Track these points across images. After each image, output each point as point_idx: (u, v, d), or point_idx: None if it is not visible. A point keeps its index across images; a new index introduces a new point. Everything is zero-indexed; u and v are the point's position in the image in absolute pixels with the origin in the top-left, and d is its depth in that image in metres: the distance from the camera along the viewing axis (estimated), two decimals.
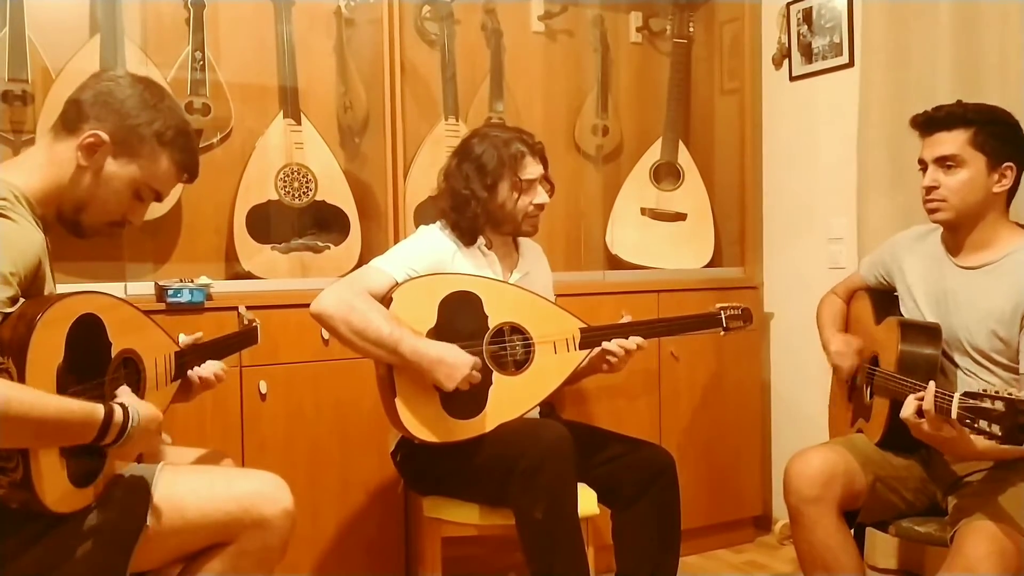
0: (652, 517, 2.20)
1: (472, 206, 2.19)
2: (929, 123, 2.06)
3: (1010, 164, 2.01)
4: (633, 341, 2.19)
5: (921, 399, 1.75)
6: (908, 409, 1.77)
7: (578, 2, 3.32)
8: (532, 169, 2.22)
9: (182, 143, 1.67)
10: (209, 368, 1.88)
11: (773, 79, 3.30)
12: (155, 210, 2.55)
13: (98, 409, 1.42)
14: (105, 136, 1.58)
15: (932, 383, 1.74)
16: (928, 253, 2.17)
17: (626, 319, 2.30)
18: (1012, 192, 2.04)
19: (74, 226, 1.65)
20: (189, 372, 1.84)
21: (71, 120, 1.60)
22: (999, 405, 1.55)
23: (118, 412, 1.45)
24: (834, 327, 2.37)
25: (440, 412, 2.05)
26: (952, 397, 1.65)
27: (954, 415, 1.64)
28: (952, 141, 2.00)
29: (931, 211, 2.06)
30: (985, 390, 1.63)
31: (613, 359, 2.20)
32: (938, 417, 1.71)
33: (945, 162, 2.01)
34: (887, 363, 2.07)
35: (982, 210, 2.02)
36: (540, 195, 2.25)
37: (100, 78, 1.65)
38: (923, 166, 2.07)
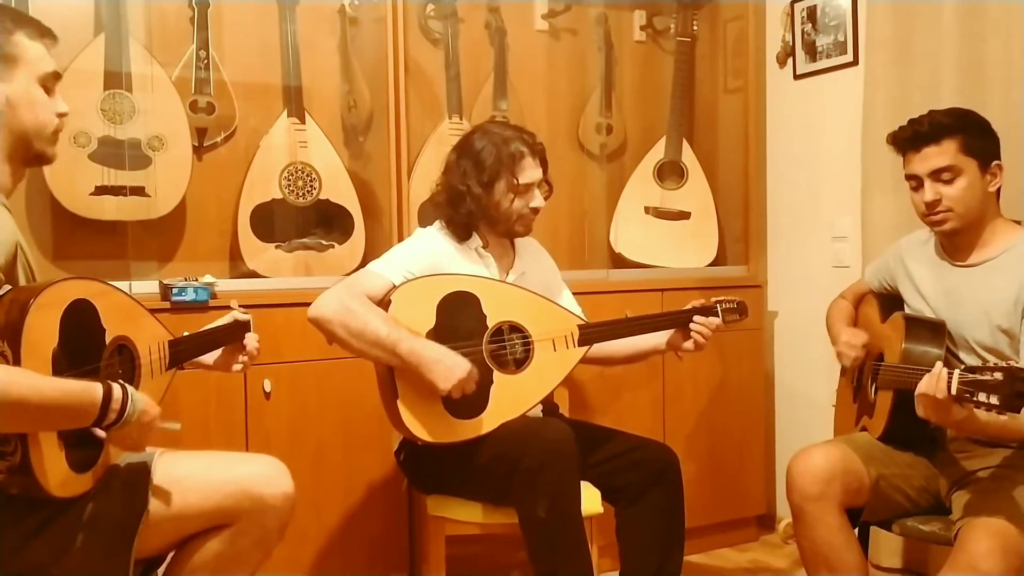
0: (656, 515, 2.19)
1: (467, 202, 2.18)
2: (916, 139, 2.04)
3: (998, 162, 2.03)
4: (713, 321, 2.22)
5: (938, 377, 1.69)
6: (927, 387, 1.69)
7: (582, 1, 3.31)
8: (531, 172, 2.20)
9: (17, 18, 1.62)
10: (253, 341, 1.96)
11: (777, 77, 3.29)
12: (159, 209, 2.57)
13: (97, 388, 1.43)
14: None
15: (945, 369, 1.69)
16: (928, 257, 2.18)
17: (699, 303, 2.28)
18: (999, 188, 2.06)
19: (39, 158, 1.65)
20: (247, 340, 1.94)
21: None
22: (998, 375, 1.57)
23: (117, 390, 1.45)
24: (843, 324, 2.37)
25: (442, 412, 2.05)
26: (952, 374, 1.65)
27: (954, 391, 1.64)
28: (943, 153, 2.00)
29: (937, 223, 2.05)
30: (985, 362, 1.62)
31: (700, 338, 2.22)
32: (949, 399, 1.67)
33: (941, 174, 2.00)
34: (892, 358, 2.08)
35: (982, 211, 2.03)
36: (536, 199, 2.23)
37: None
38: (917, 182, 2.06)
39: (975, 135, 2.01)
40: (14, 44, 1.57)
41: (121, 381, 1.50)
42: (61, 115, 1.65)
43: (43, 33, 1.64)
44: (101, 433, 1.47)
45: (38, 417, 1.36)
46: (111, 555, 1.51)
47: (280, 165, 2.72)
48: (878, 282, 2.35)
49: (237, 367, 1.95)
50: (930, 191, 2.02)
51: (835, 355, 2.31)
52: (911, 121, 2.07)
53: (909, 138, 2.06)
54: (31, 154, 1.63)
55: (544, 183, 2.26)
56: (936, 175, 2.01)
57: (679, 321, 2.26)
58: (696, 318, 2.22)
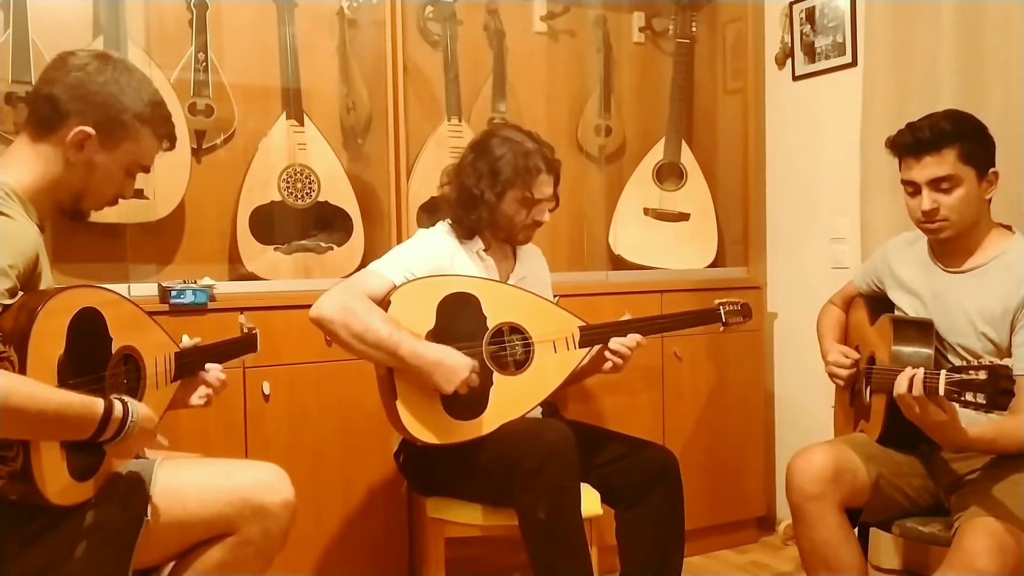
0: (656, 517, 2.19)
1: (479, 208, 2.19)
2: (917, 146, 2.01)
3: (994, 170, 2.02)
4: (632, 339, 2.19)
5: (912, 376, 1.75)
6: (901, 386, 1.76)
7: (580, 2, 3.31)
8: (544, 189, 2.21)
9: (159, 115, 1.69)
10: (215, 372, 1.86)
11: (776, 79, 3.29)
12: (158, 211, 2.57)
13: (98, 403, 1.42)
14: (91, 130, 1.59)
15: (921, 369, 1.75)
16: (916, 259, 2.18)
17: (626, 317, 2.29)
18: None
19: (74, 214, 1.68)
20: (203, 373, 1.83)
21: (49, 119, 1.59)
22: (982, 374, 1.59)
23: (118, 407, 1.44)
24: (832, 337, 2.37)
25: (441, 413, 2.06)
26: (939, 374, 1.67)
27: (942, 391, 1.66)
28: (943, 162, 1.98)
29: (934, 231, 2.04)
30: (968, 362, 1.63)
31: (617, 359, 2.20)
32: (927, 399, 1.72)
33: (940, 184, 1.99)
34: (883, 360, 2.08)
35: (976, 219, 2.03)
36: (543, 213, 2.24)
37: (66, 67, 1.61)
38: (914, 188, 2.04)
39: (974, 141, 1.99)
40: (137, 131, 1.65)
41: (124, 397, 1.49)
42: (121, 197, 1.72)
43: (170, 140, 1.74)
44: None
45: (35, 427, 1.35)
46: (110, 564, 1.50)
47: (279, 167, 2.72)
48: (866, 285, 2.35)
49: (197, 401, 1.82)
50: (928, 200, 2.01)
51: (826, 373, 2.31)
52: (910, 126, 2.04)
53: (909, 144, 2.03)
54: (69, 207, 1.67)
55: (553, 197, 2.26)
56: (935, 184, 1.99)
57: (678, 323, 2.25)
58: (613, 339, 2.19)
